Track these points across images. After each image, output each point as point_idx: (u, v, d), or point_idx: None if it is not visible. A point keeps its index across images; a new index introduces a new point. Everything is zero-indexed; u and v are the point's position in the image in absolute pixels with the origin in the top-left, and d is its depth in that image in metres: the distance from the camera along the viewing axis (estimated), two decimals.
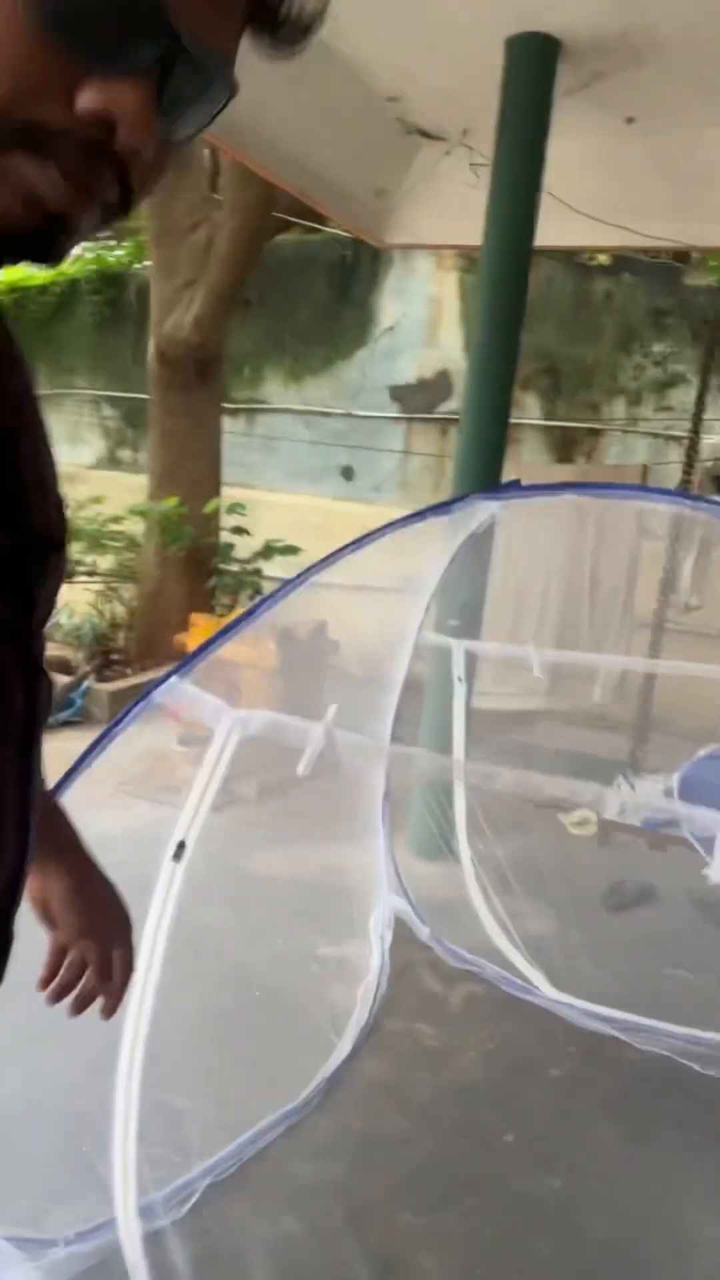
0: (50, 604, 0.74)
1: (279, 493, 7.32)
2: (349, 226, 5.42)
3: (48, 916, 0.97)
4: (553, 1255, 1.91)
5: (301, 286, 7.25)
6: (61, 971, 0.99)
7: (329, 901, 3.27)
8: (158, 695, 1.52)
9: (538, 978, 2.91)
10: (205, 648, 1.57)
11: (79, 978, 0.99)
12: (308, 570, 1.93)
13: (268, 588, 5.80)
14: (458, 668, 2.87)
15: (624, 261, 6.47)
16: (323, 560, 1.96)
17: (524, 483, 2.09)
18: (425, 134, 4.59)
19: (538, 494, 1.87)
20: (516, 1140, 2.25)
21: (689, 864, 3.85)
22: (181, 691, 1.52)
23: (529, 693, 4.79)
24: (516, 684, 4.76)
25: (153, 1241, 1.66)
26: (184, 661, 1.54)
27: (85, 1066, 1.73)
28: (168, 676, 1.53)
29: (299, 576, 1.90)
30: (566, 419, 6.52)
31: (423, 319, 7.04)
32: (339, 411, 7.26)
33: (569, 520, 4.53)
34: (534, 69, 3.58)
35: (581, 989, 2.86)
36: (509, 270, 3.80)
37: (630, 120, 4.13)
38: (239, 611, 5.28)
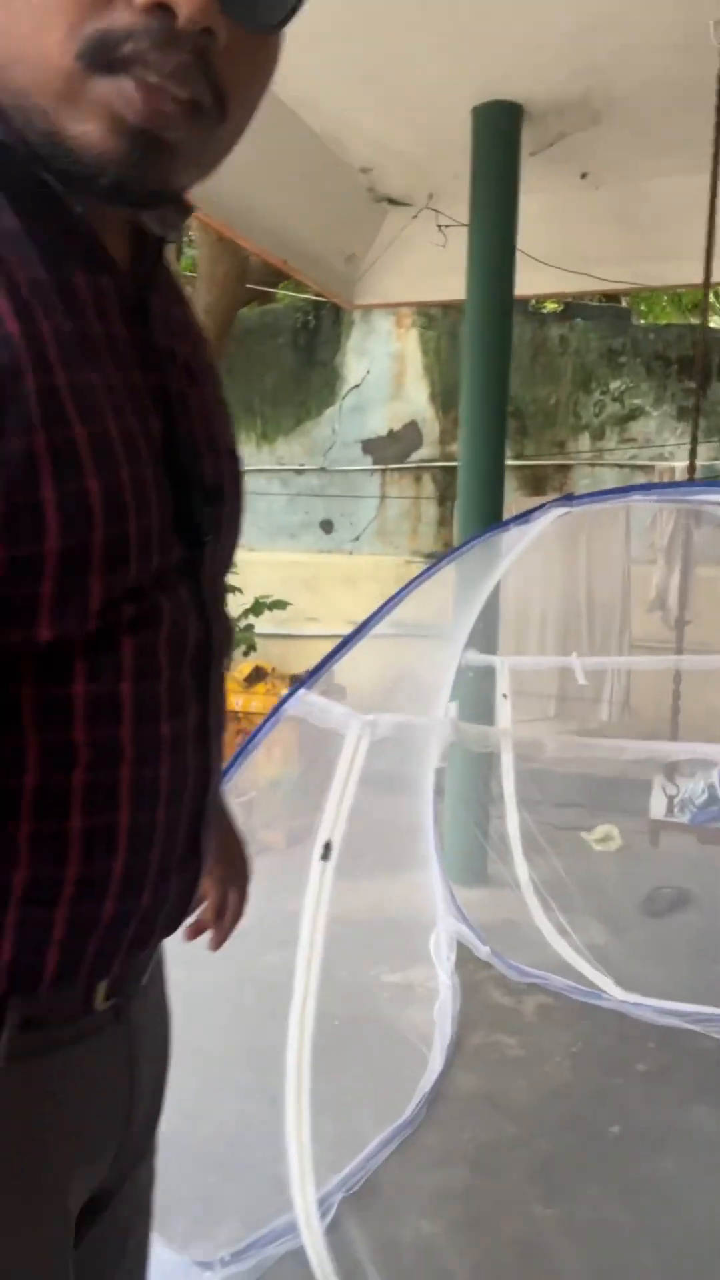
0: (228, 554, 0.80)
1: (260, 551, 7.46)
2: (321, 291, 5.67)
3: None
4: (681, 1232, 1.97)
5: (268, 352, 7.50)
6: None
7: (382, 933, 3.32)
8: (289, 708, 1.61)
9: (605, 982, 2.98)
10: (326, 662, 1.67)
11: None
12: (378, 612, 2.02)
13: (260, 644, 5.90)
14: (502, 685, 2.99)
15: (575, 308, 6.84)
16: (387, 603, 2.07)
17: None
18: (393, 201, 4.87)
19: (603, 499, 2.03)
20: (622, 1131, 2.31)
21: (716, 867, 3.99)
22: (310, 702, 1.62)
23: (538, 717, 4.94)
24: (525, 710, 4.90)
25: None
26: (309, 675, 1.64)
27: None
28: (294, 690, 1.63)
29: (368, 622, 1.97)
30: (536, 457, 6.80)
31: (388, 374, 7.32)
32: (313, 467, 7.47)
33: (564, 543, 4.73)
34: (500, 134, 3.87)
35: (647, 989, 2.95)
36: (493, 320, 4.03)
37: (585, 175, 4.46)
38: (242, 669, 5.38)
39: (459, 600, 2.89)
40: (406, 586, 2.07)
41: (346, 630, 2.04)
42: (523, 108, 3.81)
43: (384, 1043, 2.69)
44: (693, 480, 2.97)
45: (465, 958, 3.20)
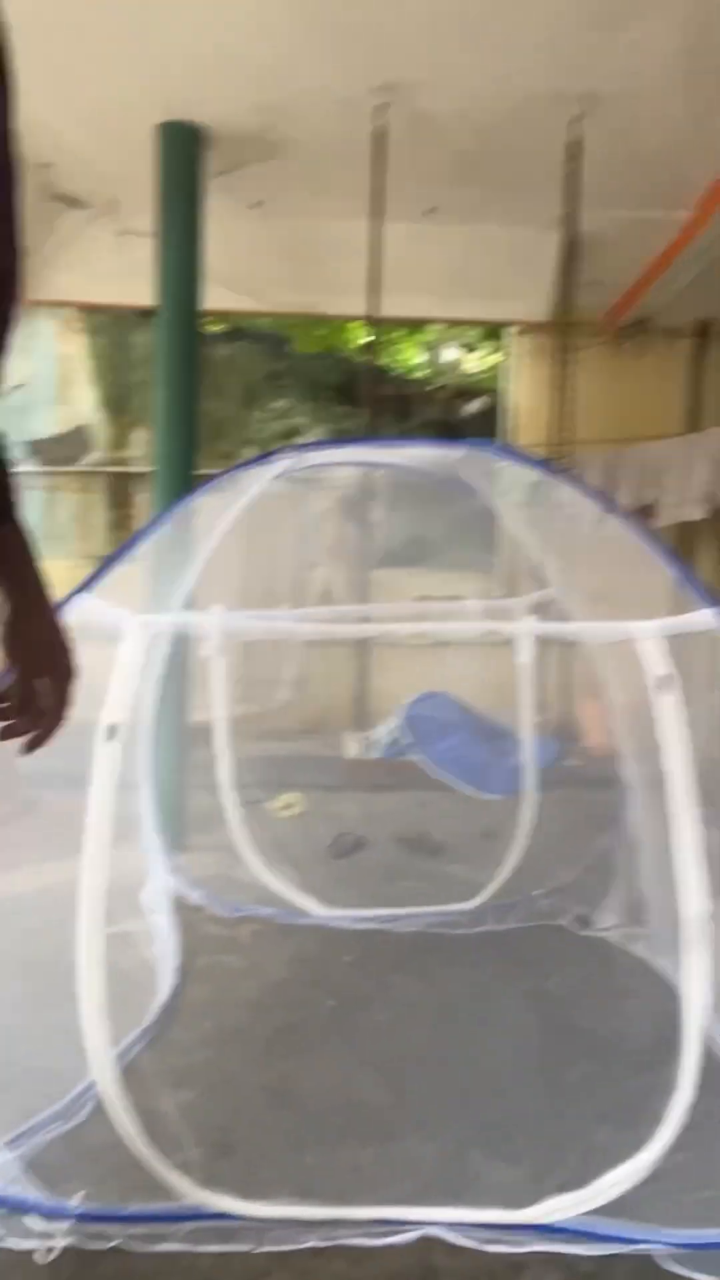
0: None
1: None
2: None
3: None
4: (398, 1063, 2.38)
5: None
6: None
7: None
8: (67, 614, 1.76)
9: (308, 903, 3.36)
10: (104, 568, 1.84)
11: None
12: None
13: None
14: (205, 647, 3.23)
15: (240, 330, 7.35)
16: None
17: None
18: (70, 200, 4.98)
19: (326, 449, 2.40)
20: (338, 1003, 2.69)
21: (387, 817, 4.58)
22: (86, 606, 1.78)
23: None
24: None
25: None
26: (86, 580, 1.80)
27: None
28: (72, 596, 1.78)
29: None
30: (206, 468, 7.14)
31: (53, 377, 7.28)
32: None
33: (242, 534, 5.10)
34: (185, 153, 4.20)
35: (343, 906, 3.38)
36: (182, 333, 4.27)
37: (259, 204, 4.94)
38: None
39: (160, 576, 3.11)
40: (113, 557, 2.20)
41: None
42: (206, 131, 4.18)
43: (113, 978, 2.81)
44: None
45: (179, 906, 3.40)
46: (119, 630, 1.79)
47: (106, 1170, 1.85)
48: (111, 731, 1.73)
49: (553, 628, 2.38)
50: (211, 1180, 1.81)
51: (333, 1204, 1.79)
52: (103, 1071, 1.75)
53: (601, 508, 2.40)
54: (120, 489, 7.15)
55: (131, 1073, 2.16)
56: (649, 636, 1.74)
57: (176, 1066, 2.27)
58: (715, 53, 3.49)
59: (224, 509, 2.63)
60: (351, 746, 3.79)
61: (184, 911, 3.35)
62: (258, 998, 2.71)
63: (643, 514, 5.70)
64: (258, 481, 2.40)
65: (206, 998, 2.71)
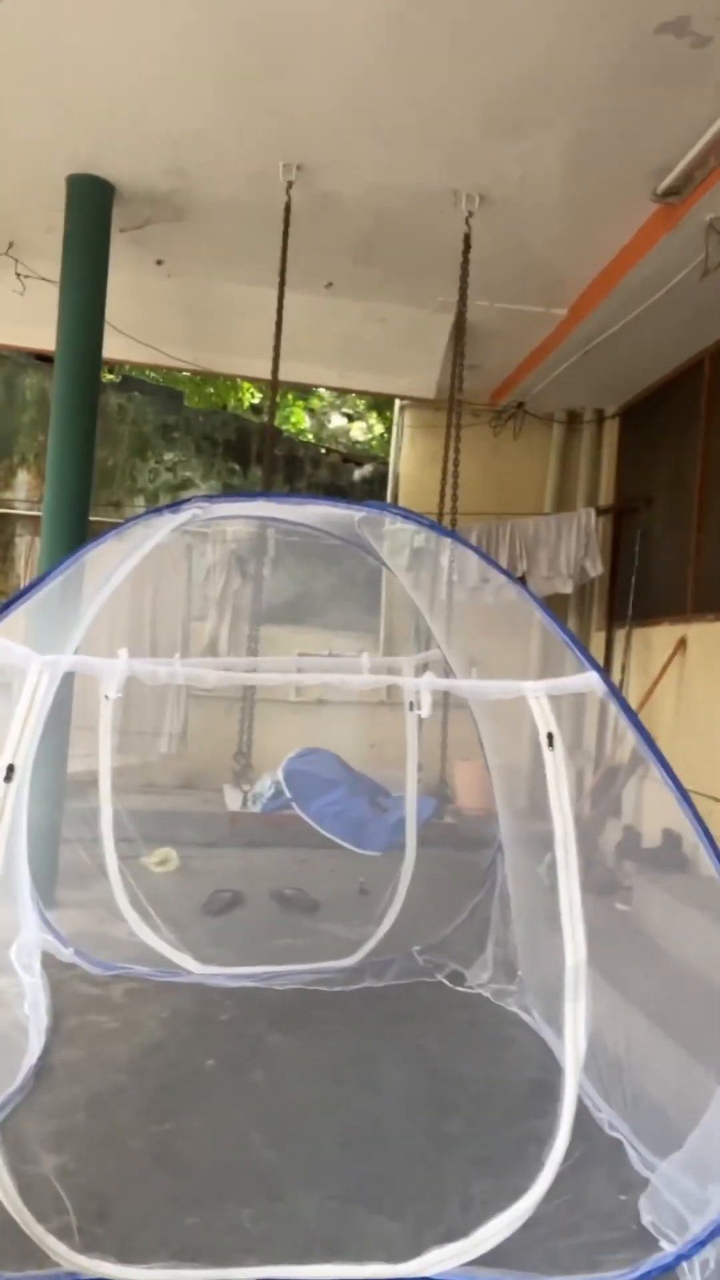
0: None
1: None
2: None
3: None
4: (280, 1117, 2.35)
5: None
6: None
7: None
8: None
9: (185, 960, 3.29)
10: (10, 604, 1.81)
11: None
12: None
13: None
14: (108, 688, 3.17)
15: (133, 381, 7.35)
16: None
17: None
18: None
19: (234, 500, 2.44)
20: (216, 1063, 2.64)
21: (263, 874, 4.55)
22: None
23: (95, 751, 5.09)
24: (85, 745, 5.04)
25: None
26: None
27: None
28: None
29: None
30: (93, 516, 7.05)
31: None
32: None
33: (133, 586, 5.05)
34: (93, 205, 4.25)
35: (219, 964, 3.33)
36: (81, 381, 4.26)
37: (160, 262, 5.02)
38: None
39: (48, 621, 3.06)
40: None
41: None
42: (115, 187, 4.25)
43: None
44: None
45: (49, 963, 3.27)
46: (20, 668, 1.76)
47: None
48: (8, 773, 1.70)
49: (448, 683, 2.48)
50: (89, 1245, 1.73)
51: (214, 1265, 1.75)
52: None
53: (500, 572, 2.54)
54: (1, 530, 6.95)
55: (5, 1134, 2.06)
56: (539, 694, 1.86)
57: (50, 1130, 2.17)
58: (598, 171, 3.84)
59: (123, 556, 2.63)
60: (233, 799, 3.77)
61: (53, 969, 3.22)
62: (132, 1060, 2.62)
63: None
64: (163, 529, 2.42)
65: (78, 1059, 2.61)
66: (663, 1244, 1.91)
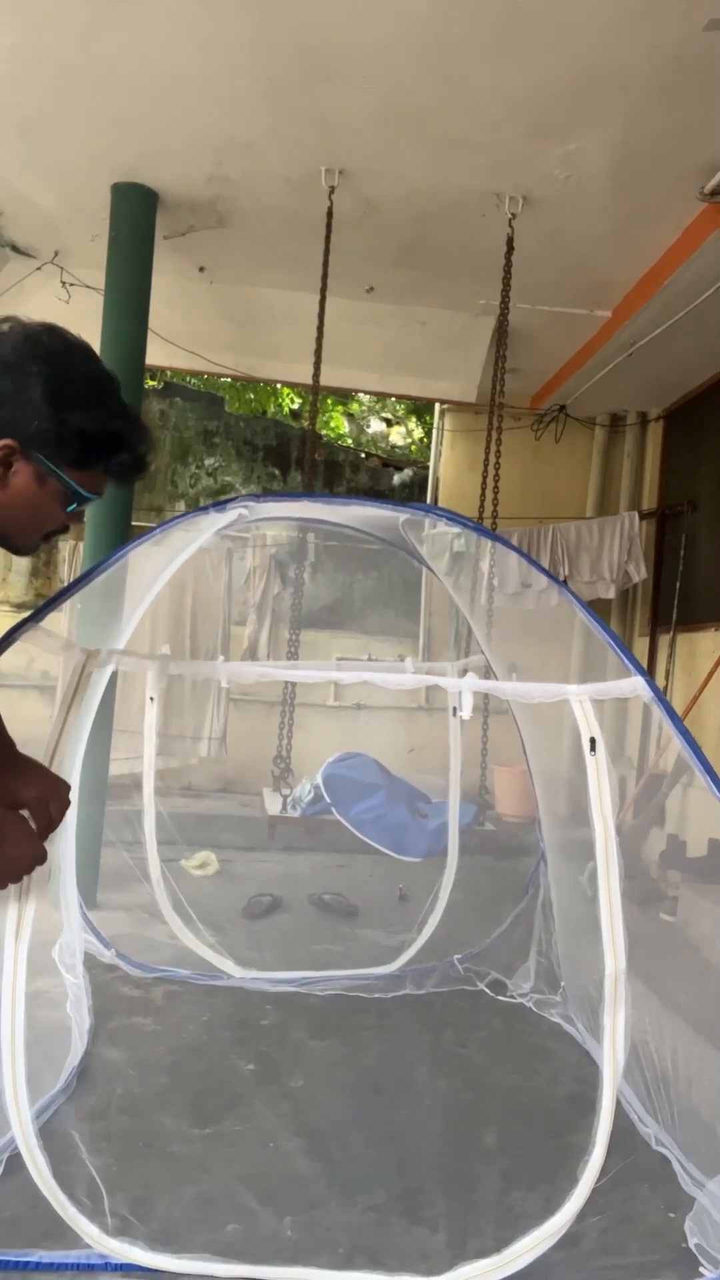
0: None
1: None
2: None
3: None
4: (318, 1125, 2.34)
5: None
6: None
7: None
8: (21, 637, 1.74)
9: (225, 964, 3.30)
10: (50, 605, 1.83)
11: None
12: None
13: None
14: (152, 689, 3.20)
15: (175, 387, 7.42)
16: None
17: None
18: (17, 249, 5.01)
19: (281, 499, 2.44)
20: (257, 1067, 2.63)
21: (302, 879, 4.55)
22: (38, 634, 1.77)
23: (137, 754, 5.14)
24: (126, 749, 5.09)
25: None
26: (37, 611, 1.79)
27: None
28: (24, 623, 1.76)
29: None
30: (135, 521, 7.13)
31: None
32: None
33: (174, 589, 5.09)
34: (137, 213, 4.30)
35: (258, 969, 3.33)
36: (126, 387, 4.30)
37: (203, 269, 5.06)
38: None
39: (90, 622, 3.09)
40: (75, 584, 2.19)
41: None
42: (159, 194, 4.29)
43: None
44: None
45: (91, 964, 3.28)
46: (68, 662, 1.77)
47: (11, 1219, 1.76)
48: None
49: (491, 685, 2.45)
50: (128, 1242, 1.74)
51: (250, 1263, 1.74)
52: (24, 1132, 1.67)
53: (542, 573, 2.51)
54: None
55: (47, 1136, 2.07)
56: (583, 697, 1.83)
57: (92, 1131, 2.18)
58: (644, 170, 3.79)
59: (167, 558, 2.64)
60: (272, 803, 3.77)
61: (95, 971, 3.24)
62: (173, 1063, 2.63)
63: None
64: (209, 529, 2.43)
65: (120, 1061, 2.62)
66: (703, 1268, 1.86)
